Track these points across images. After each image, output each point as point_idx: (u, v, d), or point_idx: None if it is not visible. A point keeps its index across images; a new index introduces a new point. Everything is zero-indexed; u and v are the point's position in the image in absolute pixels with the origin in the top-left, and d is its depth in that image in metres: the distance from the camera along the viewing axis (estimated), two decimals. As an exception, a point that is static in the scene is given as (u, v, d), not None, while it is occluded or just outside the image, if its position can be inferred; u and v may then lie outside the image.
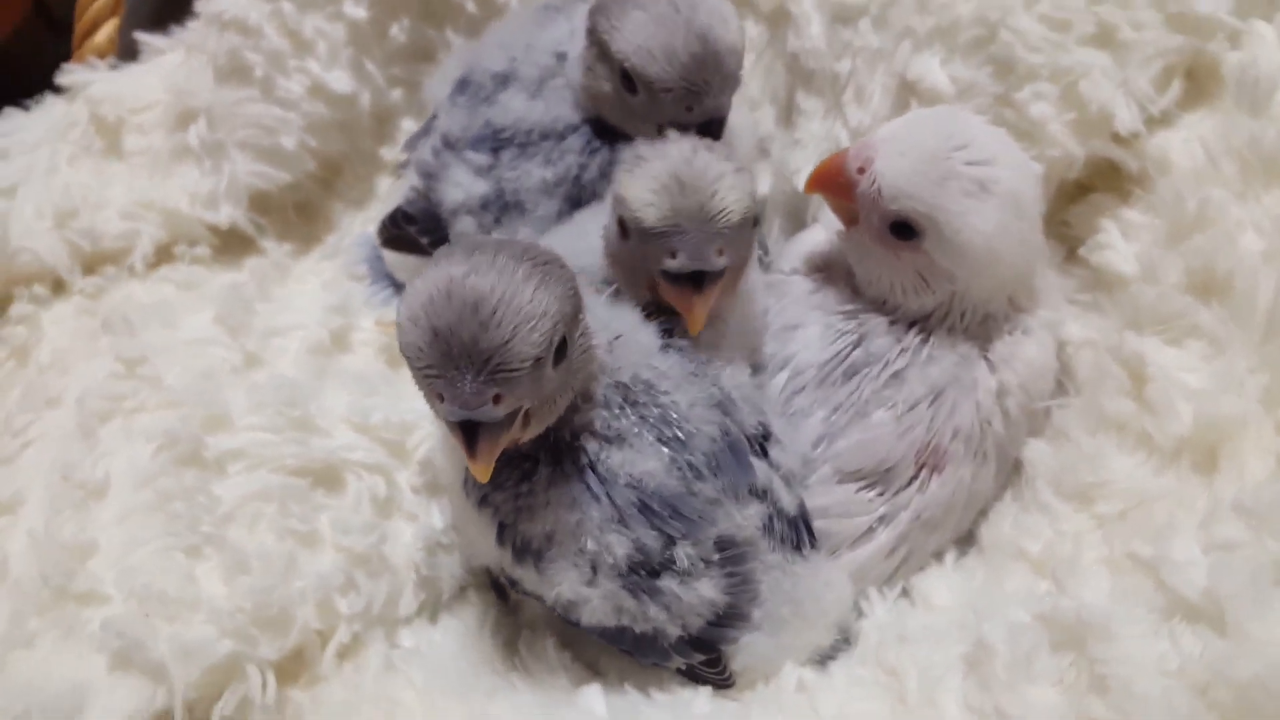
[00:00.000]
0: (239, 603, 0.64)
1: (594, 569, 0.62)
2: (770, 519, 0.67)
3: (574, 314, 0.58)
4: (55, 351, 0.81)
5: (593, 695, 0.65)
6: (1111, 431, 0.69)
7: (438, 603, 0.75)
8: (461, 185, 0.83)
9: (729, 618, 0.66)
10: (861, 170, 0.69)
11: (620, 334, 0.66)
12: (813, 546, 0.70)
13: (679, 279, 0.64)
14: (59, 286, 0.86)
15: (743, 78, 0.76)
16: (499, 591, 0.76)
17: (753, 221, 0.66)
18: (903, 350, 0.72)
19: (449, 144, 0.85)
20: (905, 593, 0.73)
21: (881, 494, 0.72)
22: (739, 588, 0.66)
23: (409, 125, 1.02)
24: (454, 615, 0.75)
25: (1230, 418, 0.63)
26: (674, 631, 0.64)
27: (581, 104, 0.81)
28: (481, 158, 0.82)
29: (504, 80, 0.84)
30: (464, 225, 0.83)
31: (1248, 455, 0.62)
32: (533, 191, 0.81)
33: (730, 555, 0.65)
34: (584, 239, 0.73)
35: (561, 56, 0.82)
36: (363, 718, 0.64)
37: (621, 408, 0.64)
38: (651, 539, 0.62)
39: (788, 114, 0.92)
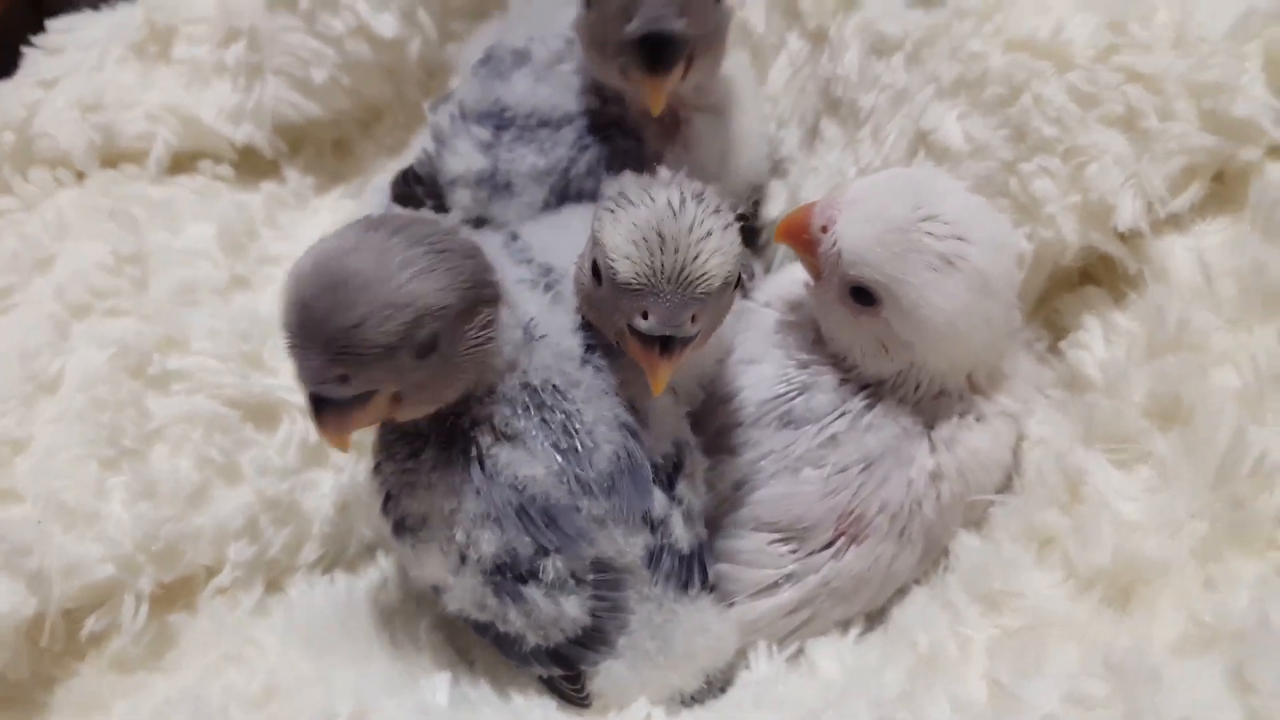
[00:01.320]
0: (132, 530, 0.66)
1: (461, 559, 0.63)
2: (659, 551, 0.65)
3: (465, 308, 0.57)
4: (60, 214, 0.83)
5: (439, 683, 0.65)
6: (1034, 543, 0.64)
7: (338, 557, 0.76)
8: (463, 157, 0.82)
9: (591, 639, 0.65)
10: (825, 229, 0.66)
11: (546, 334, 0.65)
12: (703, 588, 0.68)
13: (647, 339, 0.59)
14: (81, 176, 0.90)
15: (719, 20, 0.73)
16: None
17: (735, 283, 0.62)
18: (843, 414, 0.69)
19: (463, 113, 0.85)
20: (800, 653, 0.70)
21: (794, 552, 0.69)
22: (607, 612, 0.64)
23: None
24: (352, 573, 0.76)
25: (1153, 561, 0.58)
26: (534, 639, 0.64)
27: (583, 80, 0.79)
28: (485, 133, 0.82)
29: (520, 59, 0.83)
30: (460, 197, 0.83)
31: (1162, 606, 0.57)
32: (523, 176, 0.80)
33: (605, 579, 0.64)
34: (566, 235, 0.71)
35: (571, 41, 0.81)
36: (219, 650, 0.66)
37: (526, 408, 0.63)
38: (523, 545, 0.62)
39: (812, 139, 0.88)
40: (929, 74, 0.76)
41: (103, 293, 0.77)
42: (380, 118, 1.04)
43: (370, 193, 1.00)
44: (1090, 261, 0.71)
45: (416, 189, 0.88)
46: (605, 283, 0.60)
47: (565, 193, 0.80)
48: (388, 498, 0.64)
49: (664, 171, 0.63)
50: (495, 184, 0.81)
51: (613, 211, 0.60)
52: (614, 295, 0.60)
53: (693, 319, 0.59)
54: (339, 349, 0.53)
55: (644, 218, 0.59)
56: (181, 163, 0.95)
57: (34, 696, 0.65)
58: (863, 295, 0.65)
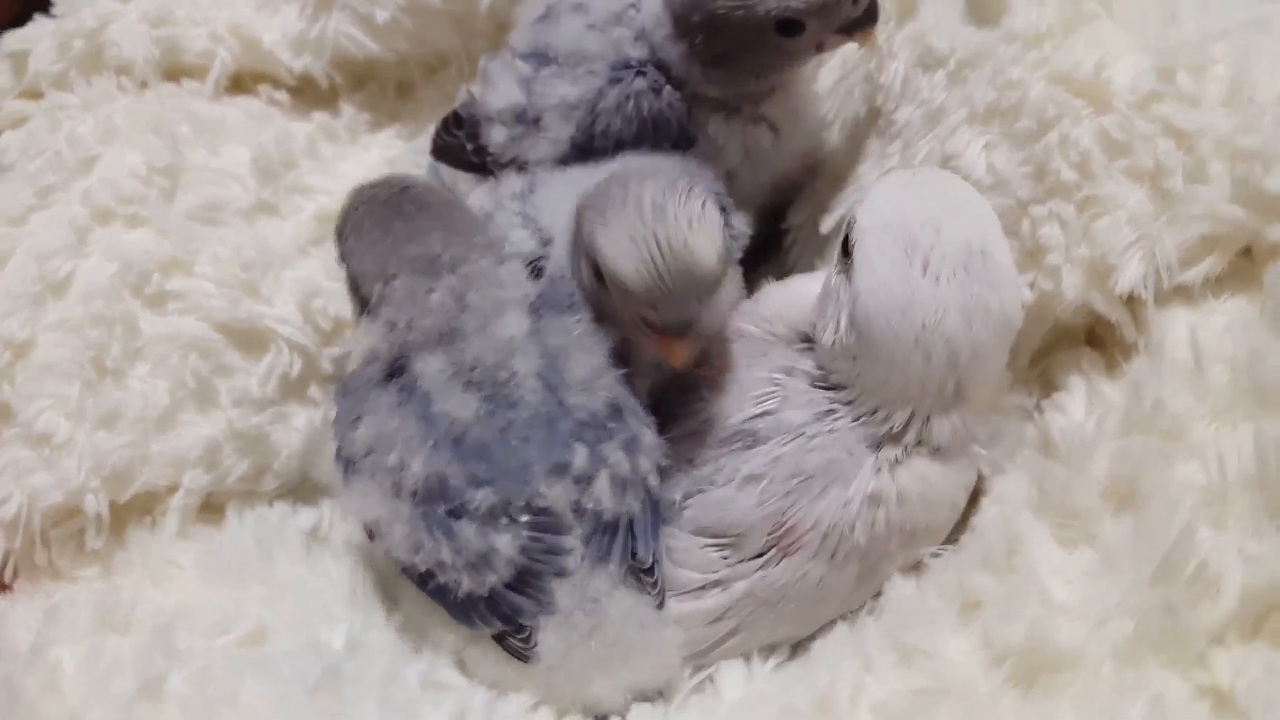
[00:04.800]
0: (88, 457, 0.70)
1: (396, 490, 0.64)
2: (580, 508, 0.65)
3: None
4: (110, 119, 0.87)
5: (338, 631, 0.66)
6: (960, 603, 0.61)
7: (294, 490, 0.78)
8: (503, 92, 0.82)
9: (526, 584, 0.64)
10: None
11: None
12: (629, 567, 0.66)
13: (663, 328, 0.64)
14: (144, 86, 0.94)
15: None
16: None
17: (730, 258, 0.65)
18: (799, 434, 0.67)
19: (511, 55, 0.84)
20: (709, 679, 0.68)
21: (727, 559, 0.68)
22: (542, 554, 0.64)
23: (529, 40, 1.02)
24: (296, 504, 0.78)
25: (1067, 650, 0.54)
26: (468, 584, 0.64)
27: (679, 72, 0.78)
28: (526, 68, 0.81)
29: (576, 10, 0.82)
30: (496, 134, 0.83)
31: (1065, 699, 0.53)
32: (552, 110, 0.79)
33: (539, 521, 0.64)
34: (570, 201, 0.71)
35: (634, 5, 0.80)
36: (137, 573, 0.70)
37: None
38: (454, 473, 0.63)
39: (850, 146, 0.84)
40: (966, 95, 0.71)
41: (128, 200, 0.80)
42: (446, 65, 1.04)
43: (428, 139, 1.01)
44: (1098, 321, 0.66)
45: (457, 133, 0.89)
46: (613, 289, 0.64)
47: (591, 131, 0.78)
48: (341, 436, 0.67)
49: (631, 160, 0.68)
50: (526, 120, 0.81)
51: (605, 221, 0.63)
52: (623, 299, 0.64)
53: (699, 301, 0.63)
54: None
55: (633, 223, 0.61)
56: (244, 83, 0.98)
57: None
58: (846, 248, 0.65)
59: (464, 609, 0.65)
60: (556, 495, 0.64)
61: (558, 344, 0.67)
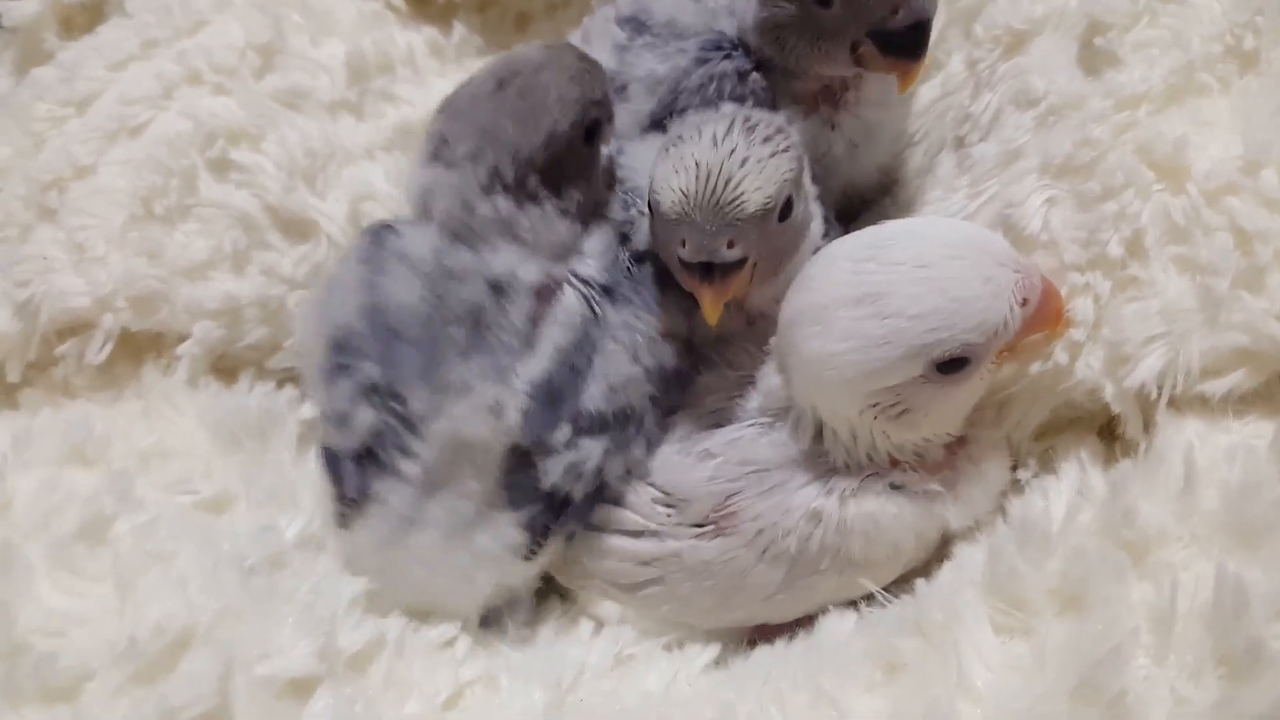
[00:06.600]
0: (121, 274, 0.73)
1: (320, 322, 0.68)
2: (528, 467, 0.66)
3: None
4: None
5: (295, 521, 0.69)
6: (884, 663, 0.58)
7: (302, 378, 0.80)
8: (596, 56, 0.81)
9: (367, 466, 0.66)
10: None
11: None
12: (536, 528, 0.68)
13: (692, 267, 0.62)
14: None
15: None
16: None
17: (780, 211, 0.63)
18: (760, 412, 0.68)
19: (615, 16, 0.83)
20: (631, 657, 0.68)
21: (670, 516, 0.69)
22: (389, 447, 0.65)
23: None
24: (304, 394, 0.80)
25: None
26: (328, 434, 0.67)
27: (753, 43, 0.75)
28: (622, 35, 0.80)
29: None
30: None
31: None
32: (639, 82, 0.78)
33: (406, 420, 0.65)
34: None
35: None
36: (137, 405, 0.73)
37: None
38: (361, 337, 0.66)
39: (928, 170, 0.80)
40: (1045, 144, 0.67)
41: (219, 69, 0.82)
42: (568, 3, 1.04)
43: None
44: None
45: None
46: (654, 216, 0.64)
47: (671, 108, 0.77)
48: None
49: (728, 106, 0.67)
50: (613, 87, 0.79)
51: (668, 150, 0.63)
52: (662, 228, 0.64)
53: (729, 244, 0.60)
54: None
55: (688, 151, 0.62)
56: (370, -17, 1.00)
57: (14, 395, 0.75)
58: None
59: (325, 452, 0.68)
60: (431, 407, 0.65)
61: (612, 347, 0.68)
